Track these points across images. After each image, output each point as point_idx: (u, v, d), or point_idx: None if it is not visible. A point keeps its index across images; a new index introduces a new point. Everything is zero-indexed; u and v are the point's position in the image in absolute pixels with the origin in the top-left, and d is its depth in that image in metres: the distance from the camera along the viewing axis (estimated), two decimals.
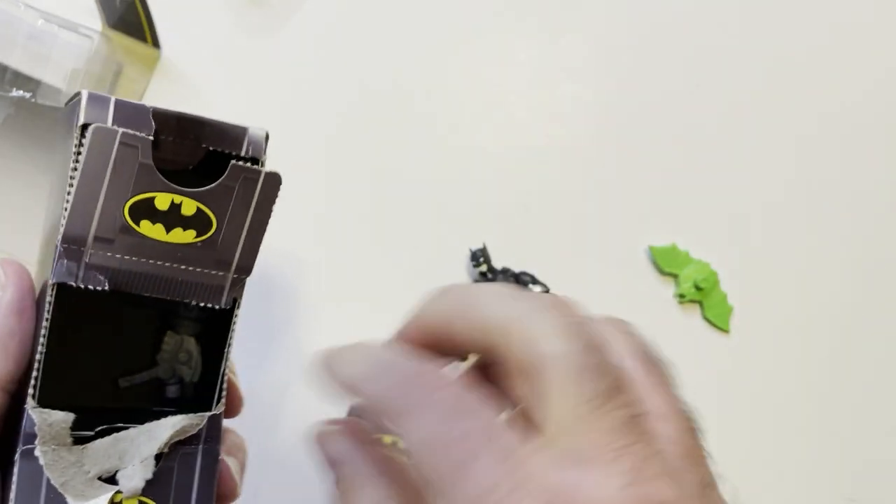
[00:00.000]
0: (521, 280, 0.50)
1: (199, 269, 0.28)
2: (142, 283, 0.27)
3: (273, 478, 0.51)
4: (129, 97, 0.55)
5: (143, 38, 0.55)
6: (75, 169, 0.26)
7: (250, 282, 0.30)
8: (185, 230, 0.27)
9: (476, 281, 0.51)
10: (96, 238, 0.26)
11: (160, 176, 0.26)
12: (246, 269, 0.29)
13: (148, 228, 0.27)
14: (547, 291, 0.50)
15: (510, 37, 0.57)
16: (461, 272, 0.54)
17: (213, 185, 0.27)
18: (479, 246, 0.52)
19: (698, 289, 0.53)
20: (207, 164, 0.29)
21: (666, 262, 0.54)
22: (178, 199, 0.27)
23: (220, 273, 0.28)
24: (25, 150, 0.55)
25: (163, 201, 0.27)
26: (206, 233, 0.28)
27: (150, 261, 0.27)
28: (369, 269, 0.54)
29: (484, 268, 0.51)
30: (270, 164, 0.31)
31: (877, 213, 0.56)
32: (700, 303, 0.54)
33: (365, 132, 0.55)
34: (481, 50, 0.57)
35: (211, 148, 0.28)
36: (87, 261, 0.26)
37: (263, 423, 0.51)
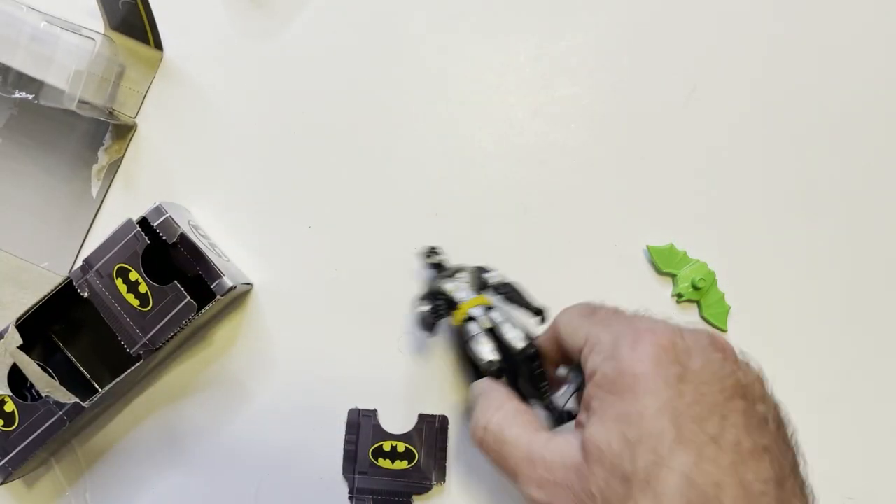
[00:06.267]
0: (482, 270, 0.50)
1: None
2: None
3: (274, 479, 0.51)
4: (132, 98, 0.55)
5: (145, 40, 0.55)
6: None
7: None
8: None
9: (430, 272, 0.51)
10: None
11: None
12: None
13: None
14: (504, 282, 0.49)
15: (510, 37, 0.58)
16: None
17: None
18: (430, 246, 0.51)
19: (696, 288, 0.54)
20: None
21: (663, 262, 0.54)
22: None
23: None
24: (28, 150, 0.55)
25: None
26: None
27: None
28: (368, 267, 0.54)
29: (436, 259, 0.51)
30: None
31: (875, 212, 0.56)
32: (698, 302, 0.54)
33: (364, 133, 0.56)
34: (481, 50, 0.57)
35: None
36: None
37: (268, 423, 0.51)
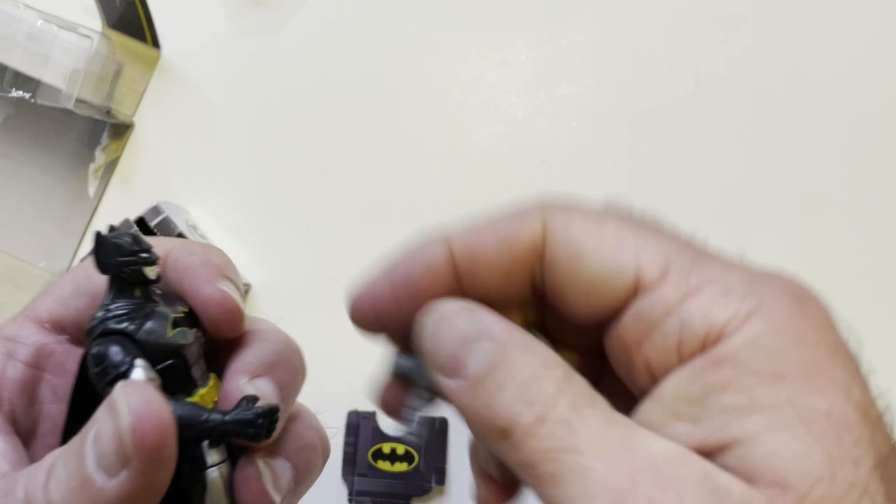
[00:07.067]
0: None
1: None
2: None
3: None
4: (130, 97, 0.55)
5: (142, 38, 0.55)
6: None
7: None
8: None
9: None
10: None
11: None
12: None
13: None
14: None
15: (510, 37, 0.57)
16: None
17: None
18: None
19: None
20: None
21: None
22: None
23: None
24: (25, 149, 0.55)
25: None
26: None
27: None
28: (367, 267, 0.54)
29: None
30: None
31: (880, 212, 0.56)
32: None
33: (363, 132, 0.55)
34: (481, 50, 0.57)
35: None
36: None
37: None
